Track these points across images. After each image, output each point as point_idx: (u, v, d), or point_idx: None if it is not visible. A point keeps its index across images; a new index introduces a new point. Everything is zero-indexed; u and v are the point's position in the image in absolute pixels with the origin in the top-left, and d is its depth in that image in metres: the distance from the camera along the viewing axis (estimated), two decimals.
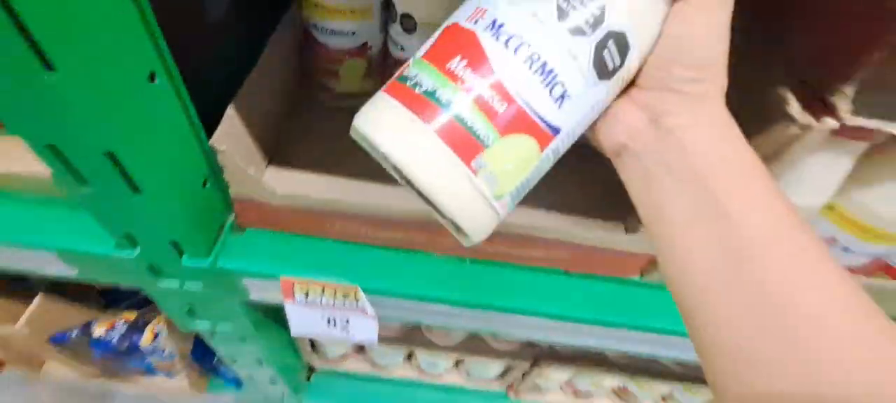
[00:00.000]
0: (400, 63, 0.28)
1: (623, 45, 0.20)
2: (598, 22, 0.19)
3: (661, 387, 0.79)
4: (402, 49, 0.41)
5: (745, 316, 0.19)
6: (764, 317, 0.18)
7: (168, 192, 0.30)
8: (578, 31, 0.19)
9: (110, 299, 0.69)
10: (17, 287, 0.68)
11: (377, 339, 0.45)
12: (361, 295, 0.39)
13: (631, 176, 0.22)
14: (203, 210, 0.36)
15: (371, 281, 0.39)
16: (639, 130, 0.21)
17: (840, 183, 0.32)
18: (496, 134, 0.19)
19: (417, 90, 0.20)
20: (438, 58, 0.20)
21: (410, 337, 0.71)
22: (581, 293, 0.41)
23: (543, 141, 0.20)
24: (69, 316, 0.64)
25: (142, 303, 0.68)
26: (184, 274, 0.39)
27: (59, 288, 0.63)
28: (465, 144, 0.19)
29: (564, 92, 0.20)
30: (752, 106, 0.25)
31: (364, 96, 0.23)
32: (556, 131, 0.20)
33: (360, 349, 0.81)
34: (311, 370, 0.82)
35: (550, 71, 0.19)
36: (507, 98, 0.19)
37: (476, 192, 0.20)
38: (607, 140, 0.22)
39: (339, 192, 0.38)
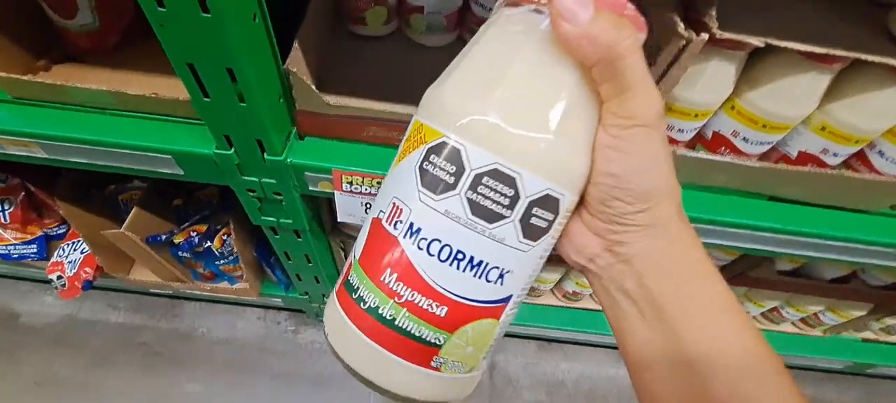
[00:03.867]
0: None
1: (552, 202, 0.20)
2: (514, 200, 0.19)
3: None
4: None
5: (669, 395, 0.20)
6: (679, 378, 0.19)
7: (261, 103, 0.45)
8: (494, 218, 0.19)
9: (181, 218, 0.86)
10: (112, 214, 0.86)
11: None
12: None
13: (595, 290, 0.23)
14: (278, 119, 0.50)
15: None
16: (596, 255, 0.22)
17: (732, 83, 0.45)
18: (446, 333, 0.21)
19: (362, 307, 0.21)
20: (372, 268, 0.21)
21: None
22: None
23: (496, 314, 0.22)
24: (155, 225, 0.81)
25: (208, 219, 0.84)
26: (262, 171, 0.54)
27: (146, 207, 0.79)
28: (420, 353, 0.21)
29: (502, 271, 0.20)
30: (656, 38, 0.37)
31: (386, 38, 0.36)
32: (506, 300, 0.21)
33: None
34: None
35: (480, 263, 0.20)
36: (445, 302, 0.20)
37: (447, 381, 0.22)
38: (569, 260, 0.23)
39: (371, 104, 0.52)
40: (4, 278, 1.13)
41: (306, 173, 0.54)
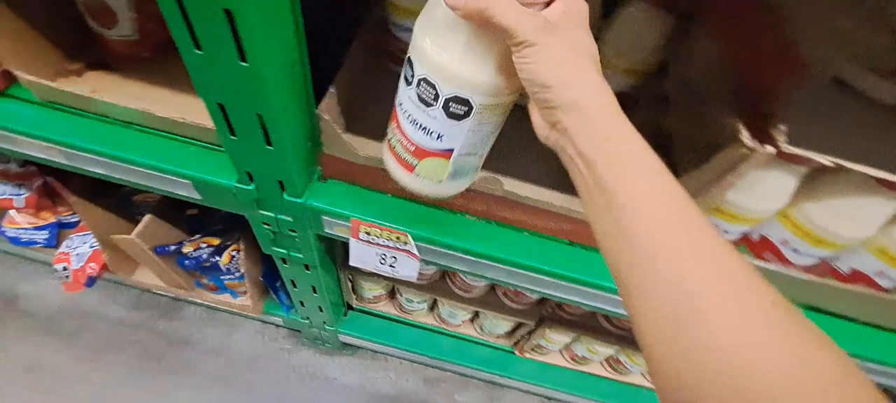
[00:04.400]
0: None
1: (462, 100, 0.31)
2: (437, 97, 0.32)
3: None
4: None
5: (620, 256, 0.25)
6: (633, 256, 0.24)
7: (288, 146, 0.43)
8: (429, 104, 0.33)
9: (194, 227, 0.84)
10: (125, 214, 0.85)
11: (417, 277, 0.57)
12: (411, 239, 0.51)
13: (563, 162, 0.29)
14: (303, 161, 0.48)
15: (419, 229, 0.51)
16: (549, 134, 0.29)
17: (790, 195, 0.42)
18: (416, 159, 0.36)
19: (389, 140, 0.39)
20: (391, 123, 0.38)
21: (438, 288, 0.83)
22: (579, 260, 0.52)
23: (446, 156, 0.36)
24: (165, 234, 0.79)
25: (221, 233, 0.82)
26: (280, 209, 0.52)
27: (159, 214, 0.78)
28: (407, 165, 0.37)
29: (439, 134, 0.34)
30: (711, 133, 0.35)
31: None
32: (449, 151, 0.35)
33: (392, 294, 0.95)
34: (349, 307, 0.97)
35: (425, 127, 0.34)
36: (411, 143, 0.36)
37: (422, 182, 0.38)
38: (543, 141, 0.30)
39: None
40: (10, 256, 1.12)
41: (324, 217, 0.52)
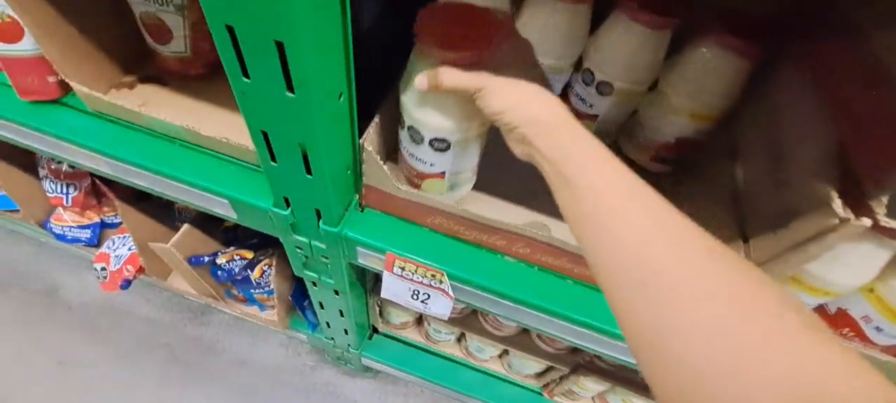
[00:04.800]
0: None
1: (442, 139, 0.41)
2: (422, 138, 0.41)
3: None
4: None
5: (587, 238, 0.28)
6: (597, 235, 0.27)
7: (327, 177, 0.41)
8: (418, 143, 0.42)
9: (230, 239, 0.85)
10: (166, 220, 0.86)
11: (448, 315, 0.54)
12: (446, 278, 0.49)
13: (543, 174, 0.33)
14: (342, 189, 0.47)
15: (456, 268, 0.48)
16: (520, 150, 0.34)
17: (878, 270, 0.37)
18: (419, 181, 0.46)
19: (403, 168, 0.48)
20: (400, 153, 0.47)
21: (468, 323, 0.80)
22: None
23: (440, 177, 0.45)
24: (201, 244, 0.80)
25: (255, 247, 0.82)
26: (315, 235, 0.51)
27: (196, 223, 0.78)
28: (415, 185, 0.47)
29: (431, 162, 0.43)
30: (792, 195, 0.31)
31: None
32: (442, 173, 0.45)
33: (419, 321, 0.92)
34: (374, 330, 0.95)
35: (419, 158, 0.43)
36: (412, 170, 0.45)
37: (429, 196, 0.46)
38: (523, 159, 0.34)
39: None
40: (55, 248, 1.17)
41: (359, 247, 0.50)
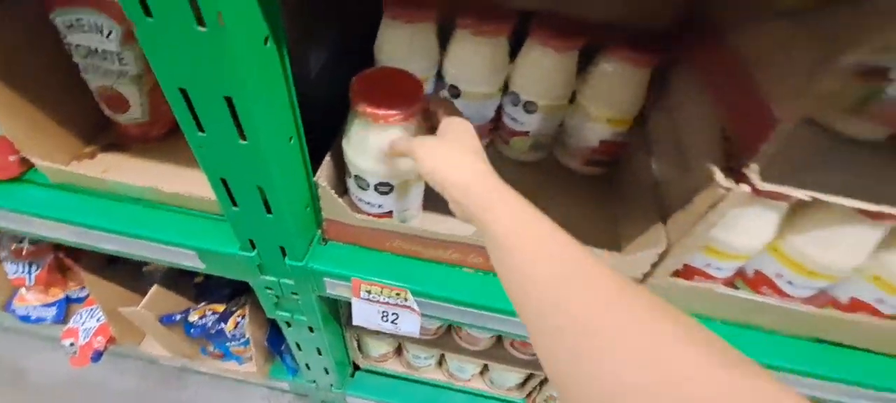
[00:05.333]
0: None
1: (385, 184, 0.46)
2: (368, 184, 0.46)
3: None
4: None
5: (513, 291, 0.29)
6: (518, 283, 0.29)
7: (287, 213, 0.45)
8: (364, 189, 0.47)
9: (201, 294, 0.85)
10: (134, 284, 0.86)
11: (419, 332, 0.57)
12: (410, 295, 0.52)
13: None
14: (303, 226, 0.50)
15: (417, 285, 0.52)
16: (454, 209, 0.36)
17: (773, 230, 0.43)
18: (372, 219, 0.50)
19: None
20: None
21: (443, 342, 0.82)
22: None
23: (388, 216, 0.50)
24: (172, 303, 0.80)
25: (227, 298, 0.83)
26: (282, 272, 0.54)
27: (165, 283, 0.79)
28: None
29: (378, 204, 0.48)
30: (692, 177, 0.36)
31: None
32: (390, 212, 0.49)
33: (398, 351, 0.94)
34: (355, 367, 0.95)
35: (367, 201, 0.49)
36: (361, 210, 0.50)
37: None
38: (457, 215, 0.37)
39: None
40: (18, 329, 1.13)
41: (325, 278, 0.53)
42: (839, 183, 0.38)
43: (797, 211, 0.43)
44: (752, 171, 0.36)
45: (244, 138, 0.36)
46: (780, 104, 0.32)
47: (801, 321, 0.49)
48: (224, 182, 0.42)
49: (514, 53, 0.54)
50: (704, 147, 0.40)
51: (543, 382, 0.86)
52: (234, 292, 0.83)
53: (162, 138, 0.61)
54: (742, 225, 0.42)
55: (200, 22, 0.28)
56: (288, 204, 0.44)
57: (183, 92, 0.33)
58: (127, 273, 0.85)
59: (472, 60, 0.53)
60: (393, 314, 0.55)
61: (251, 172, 0.40)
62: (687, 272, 0.49)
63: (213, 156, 0.39)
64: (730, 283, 0.51)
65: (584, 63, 0.53)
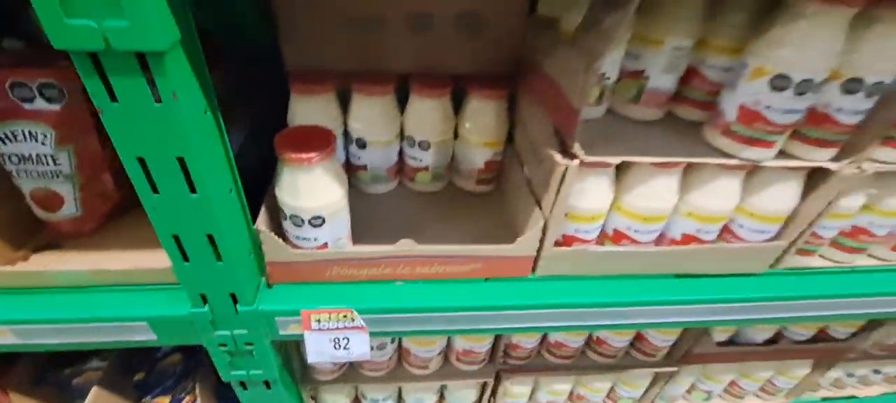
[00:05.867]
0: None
1: (318, 217, 0.55)
2: (303, 220, 0.55)
3: (603, 383, 0.98)
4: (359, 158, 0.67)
5: None
6: None
7: (236, 258, 0.52)
8: (299, 226, 0.56)
9: (142, 391, 0.84)
10: (65, 398, 0.82)
11: (369, 353, 0.64)
12: (356, 314, 0.60)
13: None
14: (249, 272, 0.57)
15: (360, 304, 0.60)
16: None
17: (611, 192, 0.59)
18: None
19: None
20: None
21: (396, 374, 0.88)
22: (497, 290, 0.64)
23: (324, 247, 0.59)
24: None
25: (171, 388, 0.83)
26: (235, 323, 0.59)
27: (105, 385, 0.77)
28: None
29: (314, 237, 0.57)
30: (545, 167, 0.51)
31: None
32: (325, 244, 0.58)
33: (357, 401, 0.97)
34: None
35: (304, 237, 0.57)
36: (300, 247, 0.58)
37: None
38: None
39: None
40: None
41: (277, 318, 0.59)
42: (638, 150, 0.55)
43: (621, 175, 0.59)
44: (577, 150, 0.52)
45: (194, 191, 0.44)
46: (573, 100, 0.49)
47: (655, 260, 0.65)
48: (176, 239, 0.49)
49: (402, 106, 0.69)
50: (546, 142, 0.56)
51: (494, 391, 0.94)
52: (178, 378, 0.83)
53: (94, 232, 0.66)
54: (588, 192, 0.57)
55: (158, 99, 0.38)
56: (236, 248, 0.52)
57: (140, 160, 0.42)
58: (57, 389, 0.81)
59: (371, 116, 0.67)
60: (343, 338, 0.62)
61: (202, 223, 0.47)
62: (566, 241, 0.63)
63: (167, 214, 0.46)
64: (601, 244, 0.66)
65: (459, 104, 0.69)
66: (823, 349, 0.99)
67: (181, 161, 0.42)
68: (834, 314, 0.74)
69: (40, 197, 0.60)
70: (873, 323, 0.98)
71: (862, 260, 0.75)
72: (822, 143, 0.55)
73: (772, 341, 0.98)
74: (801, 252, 0.71)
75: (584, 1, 0.54)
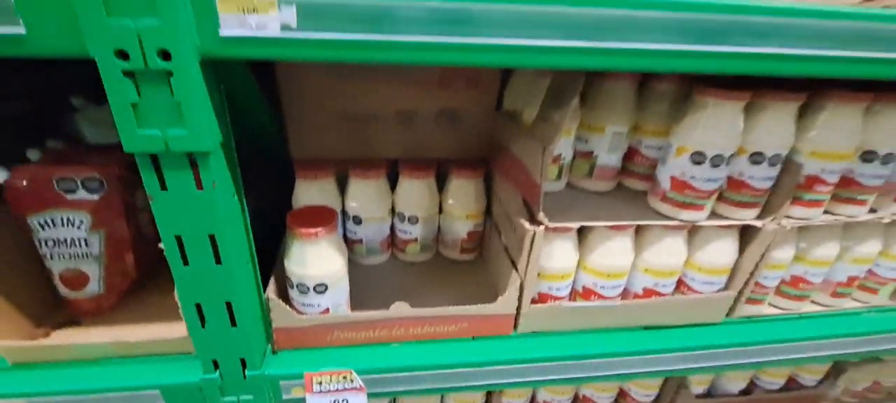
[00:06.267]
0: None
1: (322, 283, 0.63)
2: (309, 287, 0.63)
3: None
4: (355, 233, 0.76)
5: None
6: None
7: (248, 326, 0.59)
8: (305, 290, 0.63)
9: None
10: None
11: None
12: (355, 376, 0.66)
13: None
14: (258, 337, 0.63)
15: (359, 364, 0.66)
16: None
17: (576, 253, 0.68)
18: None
19: None
20: None
21: None
22: (483, 347, 0.70)
23: (326, 311, 0.66)
24: None
25: None
26: (242, 388, 0.64)
27: None
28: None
29: (317, 303, 0.65)
30: (518, 233, 0.61)
31: None
32: (328, 308, 0.65)
33: None
34: None
35: (308, 304, 0.64)
36: (304, 313, 0.65)
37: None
38: None
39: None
40: None
41: (282, 381, 0.64)
42: (594, 216, 0.66)
43: (583, 238, 0.69)
44: (542, 217, 0.62)
45: (219, 262, 0.52)
46: (535, 177, 0.60)
47: (622, 313, 0.73)
48: (198, 307, 0.56)
49: (393, 186, 0.80)
50: (517, 212, 0.66)
51: None
52: None
53: (113, 308, 0.71)
54: (555, 254, 0.66)
55: (199, 187, 0.47)
56: (250, 314, 0.58)
57: (178, 238, 0.50)
58: None
59: (366, 196, 0.77)
60: (343, 399, 0.67)
61: (223, 291, 0.55)
62: (541, 298, 0.71)
63: (193, 283, 0.54)
64: (573, 299, 0.74)
65: (442, 183, 0.80)
66: (795, 397, 1.05)
67: (212, 237, 0.51)
68: (789, 358, 0.81)
69: (69, 277, 0.66)
70: (837, 368, 1.05)
71: (808, 307, 0.84)
72: (745, 205, 0.66)
73: (746, 391, 1.03)
74: (751, 301, 0.80)
75: (538, 99, 0.67)
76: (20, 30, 0.37)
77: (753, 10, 0.45)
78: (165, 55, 0.40)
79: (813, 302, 0.85)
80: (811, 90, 0.62)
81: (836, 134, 0.62)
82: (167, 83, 0.41)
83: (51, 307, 0.69)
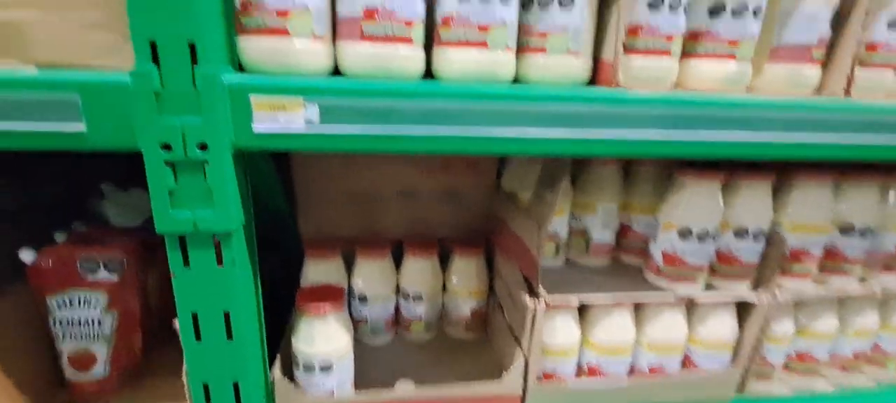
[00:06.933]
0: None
1: (327, 363, 0.63)
2: (315, 366, 0.63)
3: None
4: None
5: None
6: None
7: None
8: (311, 369, 0.63)
9: None
10: None
11: None
12: None
13: None
14: None
15: None
16: None
17: (578, 329, 0.69)
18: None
19: None
20: None
21: None
22: None
23: (331, 394, 0.65)
24: None
25: None
26: None
27: None
28: None
29: (321, 383, 0.64)
30: (519, 308, 0.63)
31: None
32: (332, 391, 0.64)
33: None
34: None
35: (312, 382, 0.64)
36: (317, 389, 0.65)
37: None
38: None
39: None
40: None
41: None
42: (592, 291, 0.68)
43: (584, 314, 0.71)
44: (542, 293, 0.65)
45: (231, 338, 0.54)
46: (533, 253, 0.63)
47: (628, 391, 0.72)
48: (206, 387, 0.56)
49: (398, 264, 0.83)
50: (517, 287, 0.69)
51: None
52: None
53: (115, 390, 0.71)
54: (557, 329, 0.68)
55: (220, 264, 0.51)
56: (255, 396, 0.58)
57: (194, 314, 0.52)
58: None
59: (372, 275, 0.80)
60: None
61: (231, 369, 0.56)
62: (547, 377, 0.71)
63: (204, 359, 0.55)
64: (577, 377, 0.73)
65: (445, 262, 0.84)
66: None
67: (227, 314, 0.53)
68: None
69: (76, 358, 0.67)
70: None
71: (822, 384, 0.82)
72: (735, 278, 0.69)
73: None
74: (760, 377, 0.79)
75: (532, 181, 0.73)
76: (82, 127, 0.43)
77: (720, 103, 0.52)
78: (203, 146, 0.45)
79: (824, 377, 0.83)
80: (784, 169, 0.67)
81: (811, 209, 0.66)
82: (202, 171, 0.46)
83: (54, 390, 0.69)
